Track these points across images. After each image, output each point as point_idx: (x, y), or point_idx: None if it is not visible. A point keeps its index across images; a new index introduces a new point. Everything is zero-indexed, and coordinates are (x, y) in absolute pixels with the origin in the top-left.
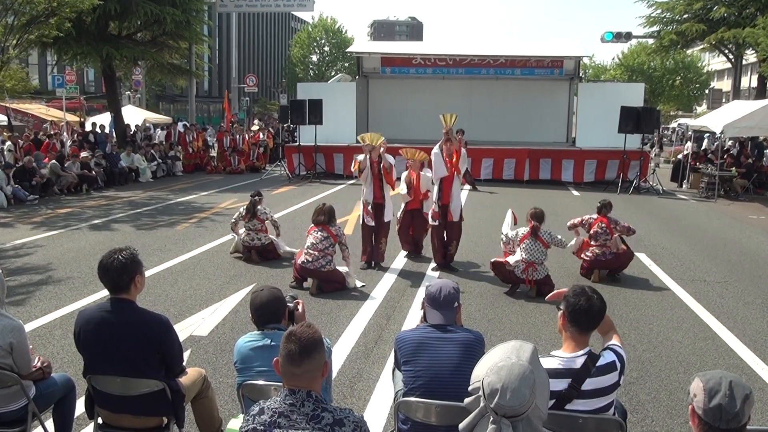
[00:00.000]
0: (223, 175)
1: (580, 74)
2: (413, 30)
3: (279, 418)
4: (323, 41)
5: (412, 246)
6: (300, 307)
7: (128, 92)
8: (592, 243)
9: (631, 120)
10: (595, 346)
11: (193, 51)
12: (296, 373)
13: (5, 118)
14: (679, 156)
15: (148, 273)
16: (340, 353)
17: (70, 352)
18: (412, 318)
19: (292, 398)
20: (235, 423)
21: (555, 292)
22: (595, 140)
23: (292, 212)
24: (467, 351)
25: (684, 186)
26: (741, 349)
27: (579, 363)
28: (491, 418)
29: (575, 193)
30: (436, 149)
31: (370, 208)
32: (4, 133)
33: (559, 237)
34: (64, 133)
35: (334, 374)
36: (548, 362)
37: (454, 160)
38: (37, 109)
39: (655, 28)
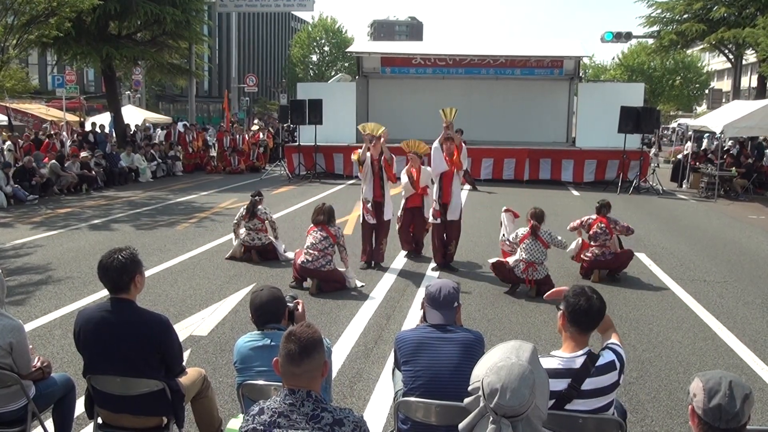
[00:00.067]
0: (223, 175)
1: (580, 74)
2: (413, 30)
3: (279, 417)
4: (323, 41)
5: (412, 245)
6: (300, 307)
7: (128, 92)
8: (592, 243)
9: (631, 120)
10: (595, 346)
11: (193, 51)
12: (296, 373)
13: (6, 118)
14: (679, 156)
15: (148, 273)
16: (340, 353)
17: (69, 352)
18: (412, 318)
19: (292, 398)
20: (235, 423)
21: (553, 290)
22: (595, 140)
23: (292, 212)
24: (467, 351)
25: (684, 186)
26: (741, 349)
27: (579, 363)
28: (491, 418)
29: (575, 193)
30: (435, 144)
31: (369, 206)
32: (3, 133)
33: (559, 238)
34: (64, 133)
35: (333, 374)
36: (548, 362)
37: (455, 157)
38: (37, 109)
39: (655, 28)
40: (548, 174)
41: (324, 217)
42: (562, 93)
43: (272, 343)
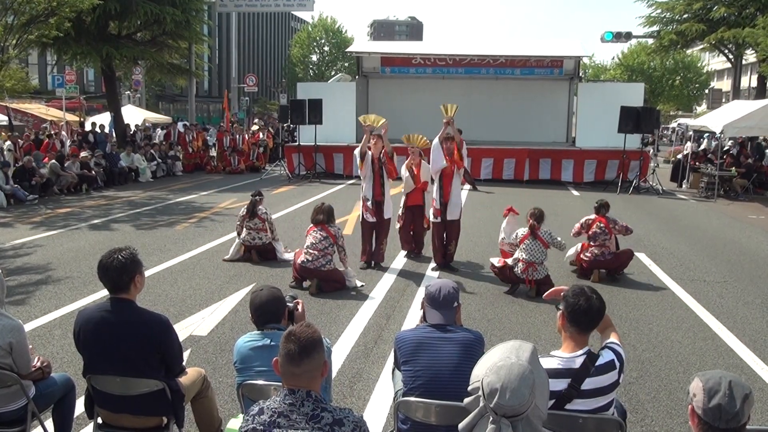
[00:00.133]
0: (222, 175)
1: (580, 74)
2: (413, 30)
3: (278, 417)
4: (323, 41)
5: (412, 245)
6: (300, 307)
7: (128, 92)
8: (591, 243)
9: (631, 120)
10: (594, 345)
11: (193, 51)
12: (296, 373)
13: (6, 118)
14: (679, 156)
15: (147, 273)
16: (339, 353)
17: (69, 352)
18: (412, 318)
19: (292, 398)
20: (235, 423)
21: (552, 290)
22: (595, 140)
23: (292, 212)
24: (467, 351)
25: (684, 186)
26: (741, 349)
27: (578, 363)
28: (491, 418)
29: (575, 193)
30: (435, 141)
31: (369, 204)
32: (3, 133)
33: (559, 239)
34: (64, 133)
35: (333, 374)
36: (548, 362)
37: (455, 156)
38: (36, 108)
39: (655, 27)
40: (548, 174)
41: (323, 216)
42: (562, 93)
43: (272, 343)
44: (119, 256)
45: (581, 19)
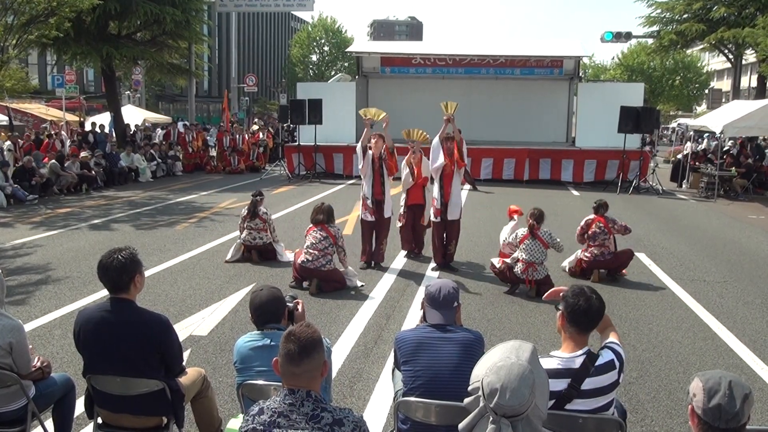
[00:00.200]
0: (222, 175)
1: (580, 74)
2: (413, 30)
3: (278, 417)
4: (323, 41)
5: (412, 245)
6: (300, 307)
7: (128, 92)
8: (591, 243)
9: (631, 120)
10: (594, 345)
11: (193, 51)
12: (296, 373)
13: (6, 118)
14: (679, 156)
15: (147, 273)
16: (339, 353)
17: (69, 352)
18: (412, 318)
19: (292, 398)
20: (235, 423)
21: (552, 290)
22: (595, 140)
23: (292, 212)
24: (467, 351)
25: (684, 186)
26: (741, 349)
27: (578, 363)
28: (491, 418)
29: (575, 193)
30: (435, 140)
31: (369, 203)
32: (3, 133)
33: (558, 240)
34: (64, 133)
35: (333, 374)
36: (547, 362)
37: (456, 155)
38: (36, 108)
39: (655, 27)
40: (548, 174)
41: (323, 216)
42: (562, 93)
43: (272, 343)
44: (119, 256)
45: (581, 19)
